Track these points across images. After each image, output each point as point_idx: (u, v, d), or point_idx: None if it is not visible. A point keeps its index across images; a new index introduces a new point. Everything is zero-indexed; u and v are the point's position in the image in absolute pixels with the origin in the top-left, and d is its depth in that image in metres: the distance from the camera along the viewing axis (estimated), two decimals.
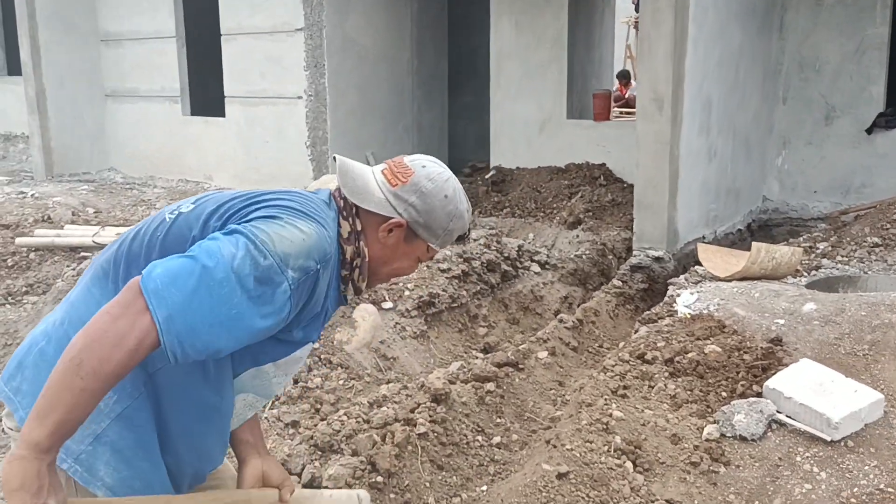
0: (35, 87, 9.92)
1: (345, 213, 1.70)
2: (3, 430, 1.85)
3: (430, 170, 1.73)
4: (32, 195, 8.48)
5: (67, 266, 6.07)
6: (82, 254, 6.14)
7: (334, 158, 1.78)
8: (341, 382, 3.86)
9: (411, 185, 1.69)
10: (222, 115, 9.47)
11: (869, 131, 6.60)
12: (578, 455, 2.86)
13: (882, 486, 2.70)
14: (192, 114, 9.93)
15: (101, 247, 6.09)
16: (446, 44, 9.70)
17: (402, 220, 1.68)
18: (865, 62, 6.62)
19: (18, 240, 6.33)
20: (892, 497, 2.65)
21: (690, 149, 5.61)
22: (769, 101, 6.92)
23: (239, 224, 1.59)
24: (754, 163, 6.88)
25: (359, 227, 1.70)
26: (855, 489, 2.71)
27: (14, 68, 12.24)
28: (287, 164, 8.79)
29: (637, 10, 15.87)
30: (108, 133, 10.64)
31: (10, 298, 5.76)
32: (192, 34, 9.89)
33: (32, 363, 1.62)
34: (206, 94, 9.99)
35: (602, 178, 7.68)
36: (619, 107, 12.78)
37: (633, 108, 13.52)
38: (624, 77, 14.53)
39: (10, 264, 6.19)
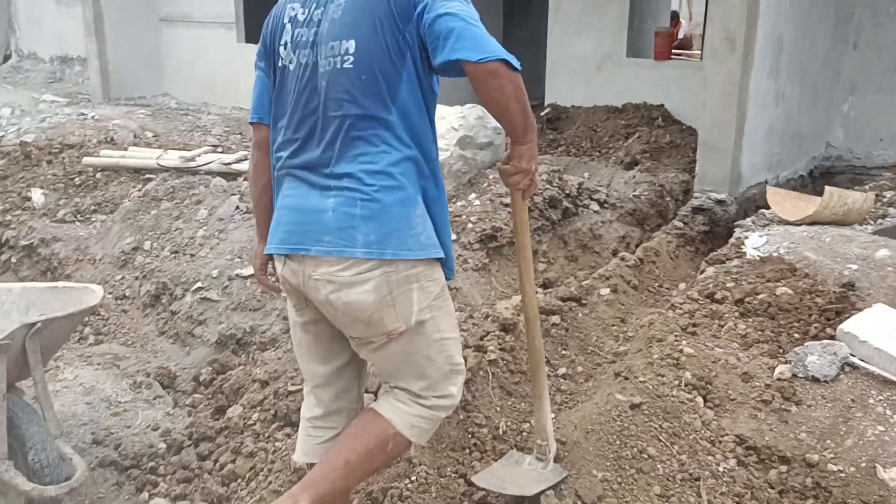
0: (93, 9, 9.97)
1: None
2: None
3: None
4: (93, 117, 8.59)
5: (133, 186, 6.21)
6: (147, 175, 6.24)
7: None
8: None
9: None
10: None
11: None
12: (651, 387, 2.90)
13: None
14: (247, 41, 9.92)
15: (165, 169, 6.20)
16: None
17: None
18: None
19: (85, 159, 6.46)
20: None
21: (759, 91, 5.50)
22: (839, 46, 6.72)
23: None
24: (820, 108, 6.72)
25: None
26: None
27: None
28: None
29: None
30: (162, 58, 10.70)
31: (78, 216, 5.91)
32: None
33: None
34: (260, 22, 9.95)
35: (660, 118, 7.58)
36: (672, 47, 12.54)
37: (686, 48, 13.28)
38: (673, 17, 14.21)
39: (77, 183, 6.33)
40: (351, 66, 2.07)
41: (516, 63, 1.96)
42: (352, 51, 2.06)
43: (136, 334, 4.74)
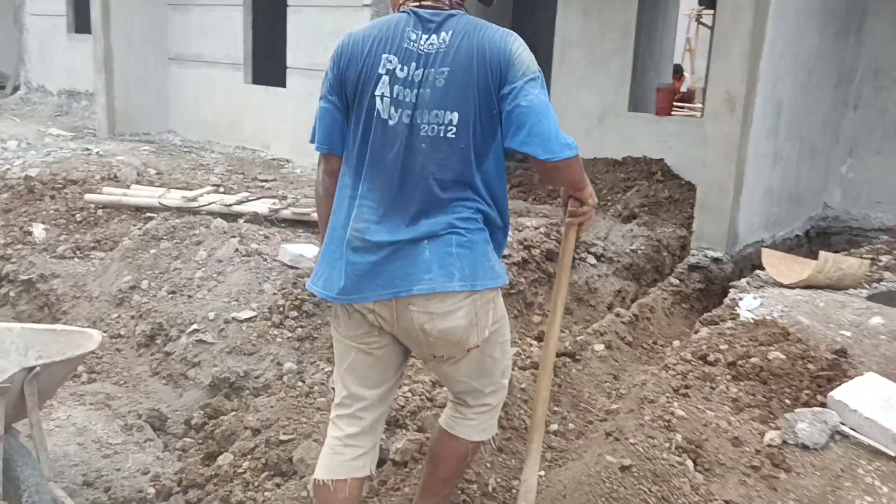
0: (104, 46, 10.13)
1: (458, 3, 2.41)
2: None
3: None
4: (97, 152, 8.68)
5: (134, 225, 6.25)
6: (148, 214, 6.29)
7: None
8: None
9: None
10: (283, 85, 9.58)
11: None
12: (641, 450, 2.90)
13: None
14: (254, 82, 10.06)
15: (167, 208, 6.25)
16: (510, 24, 9.68)
17: None
18: None
19: (87, 196, 6.51)
20: None
21: (758, 152, 5.57)
22: (839, 108, 6.82)
23: None
24: (818, 169, 6.80)
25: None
26: None
27: (81, 26, 12.49)
28: None
29: (700, 2, 15.73)
30: (169, 96, 10.84)
31: (78, 252, 5.94)
32: (258, 3, 9.99)
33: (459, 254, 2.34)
34: (268, 64, 10.11)
35: (660, 173, 7.65)
36: (674, 100, 12.72)
37: (688, 101, 13.47)
38: (677, 71, 14.43)
39: (78, 219, 6.37)
40: (453, 136, 2.27)
41: (574, 151, 2.27)
42: (455, 122, 2.26)
43: (130, 374, 4.74)
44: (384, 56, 2.29)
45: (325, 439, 2.50)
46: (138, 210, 6.47)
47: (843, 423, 3.05)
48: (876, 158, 6.78)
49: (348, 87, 2.32)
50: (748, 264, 5.52)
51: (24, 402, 2.66)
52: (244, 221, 6.03)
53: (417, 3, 2.32)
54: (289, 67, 9.39)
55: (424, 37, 2.28)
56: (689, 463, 2.92)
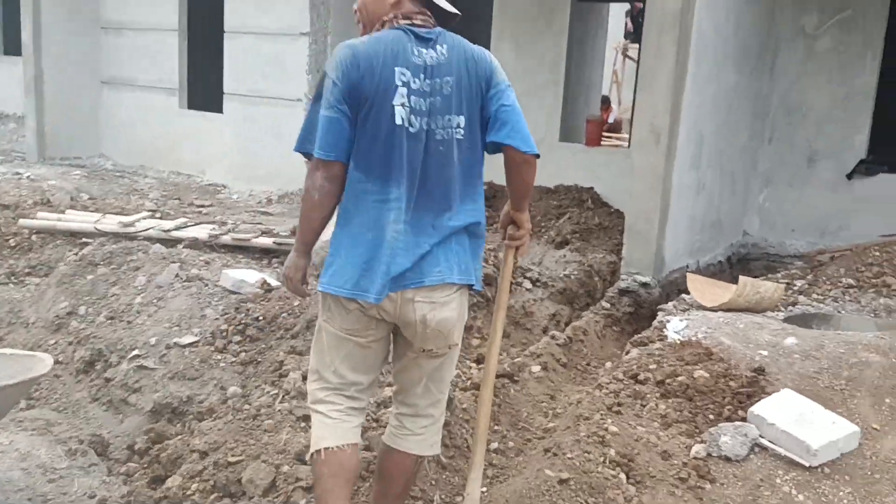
0: (34, 69, 9.99)
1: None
2: None
3: None
4: (28, 176, 8.54)
5: (69, 250, 6.19)
6: (84, 239, 6.25)
7: None
8: None
9: None
10: (220, 110, 9.60)
11: (849, 176, 6.93)
12: (578, 464, 3.08)
13: None
14: (190, 107, 10.05)
15: (103, 234, 6.21)
16: None
17: None
18: (852, 109, 6.95)
19: (21, 221, 6.43)
20: None
21: (682, 182, 5.88)
22: (755, 141, 7.24)
23: None
24: (738, 198, 7.18)
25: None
26: None
27: (10, 48, 12.26)
28: (283, 164, 8.92)
29: (626, 36, 16.32)
30: (101, 120, 10.73)
31: (12, 278, 5.87)
32: (194, 28, 10.00)
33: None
34: (203, 89, 10.11)
35: (590, 201, 7.93)
36: (603, 131, 13.12)
37: (616, 132, 13.94)
38: (605, 102, 14.87)
39: (12, 245, 6.29)
40: (461, 137, 2.57)
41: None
42: (462, 125, 2.57)
43: (69, 400, 4.70)
44: (397, 69, 2.49)
45: (318, 416, 2.68)
46: (73, 235, 6.41)
47: (761, 437, 3.29)
48: (789, 189, 7.21)
49: (361, 98, 2.47)
50: (674, 288, 5.80)
51: None
52: (183, 247, 6.04)
53: (409, 22, 2.56)
54: (226, 93, 9.43)
55: (425, 51, 2.53)
56: (623, 476, 3.11)
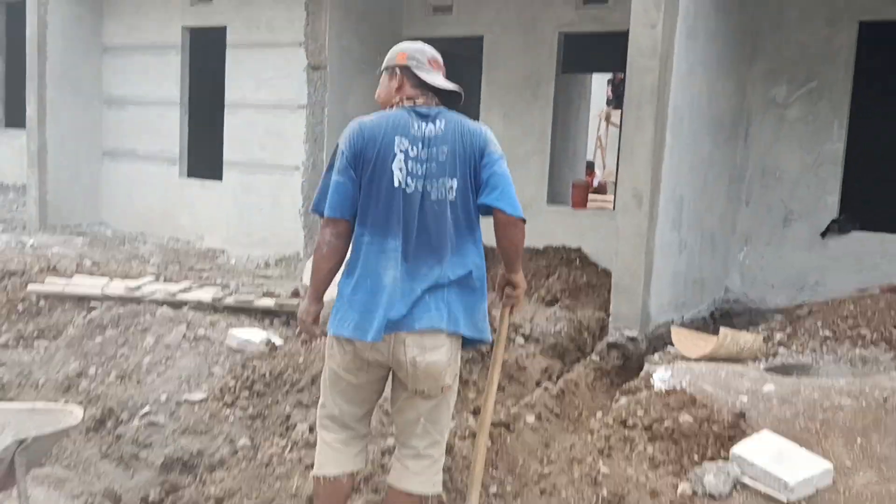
0: (38, 142, 10.32)
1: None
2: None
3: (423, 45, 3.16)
4: (31, 244, 8.79)
5: (77, 314, 6.40)
6: (92, 303, 6.47)
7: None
8: None
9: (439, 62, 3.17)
10: (219, 178, 9.94)
11: (823, 235, 7.29)
12: (572, 502, 3.29)
13: None
14: (189, 176, 10.38)
15: (110, 297, 6.44)
16: None
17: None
18: (822, 173, 7.35)
19: (31, 286, 6.65)
20: None
21: (664, 241, 6.20)
22: (733, 203, 7.61)
23: None
24: (719, 257, 7.51)
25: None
26: None
27: (11, 121, 12.65)
28: (280, 229, 9.25)
29: (608, 103, 16.94)
30: (102, 189, 11.04)
31: (21, 342, 6.06)
32: (195, 102, 10.41)
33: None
34: (203, 158, 10.47)
35: (578, 261, 8.26)
36: (588, 193, 13.57)
37: (602, 193, 14.39)
38: (589, 167, 15.36)
39: (20, 310, 6.49)
40: (453, 197, 2.93)
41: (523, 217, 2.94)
42: (455, 187, 2.94)
43: (79, 458, 4.84)
44: (397, 138, 2.93)
45: (322, 441, 3.08)
46: (81, 300, 6.62)
47: (743, 474, 3.52)
48: (768, 247, 7.55)
49: (364, 163, 2.92)
50: (661, 342, 6.06)
51: (13, 472, 2.88)
52: (188, 309, 6.27)
53: (412, 104, 3.00)
54: (225, 162, 9.77)
55: (424, 125, 2.96)
56: None
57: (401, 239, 2.91)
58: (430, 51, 3.13)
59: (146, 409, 4.90)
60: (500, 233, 2.95)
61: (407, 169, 2.91)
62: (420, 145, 2.93)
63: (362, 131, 2.95)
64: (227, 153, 9.76)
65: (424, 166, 2.92)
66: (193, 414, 4.77)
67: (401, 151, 2.92)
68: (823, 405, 3.99)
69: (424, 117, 2.97)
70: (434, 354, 2.89)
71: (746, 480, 3.49)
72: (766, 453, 3.55)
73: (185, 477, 4.33)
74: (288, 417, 4.46)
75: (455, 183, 2.92)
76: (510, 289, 3.17)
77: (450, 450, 3.88)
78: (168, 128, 10.32)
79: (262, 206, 9.47)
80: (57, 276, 7.21)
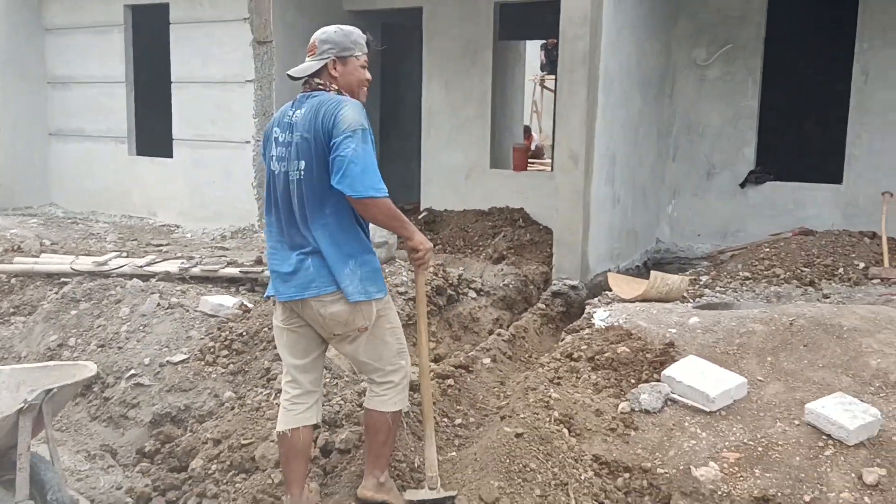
0: None
1: (325, 86, 3.33)
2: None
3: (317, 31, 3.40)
4: None
5: (49, 290, 6.68)
6: (62, 280, 6.74)
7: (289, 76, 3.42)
8: (327, 380, 4.72)
9: (318, 45, 3.34)
10: (169, 155, 10.15)
11: (742, 185, 7.97)
12: (529, 422, 3.82)
13: (745, 441, 3.77)
14: (139, 154, 10.56)
15: (79, 273, 6.73)
16: (379, 96, 10.73)
17: (333, 57, 3.33)
18: (740, 127, 8.01)
19: (0, 266, 6.88)
20: (752, 447, 3.71)
21: (599, 197, 6.76)
22: (662, 158, 8.22)
23: None
24: (649, 210, 8.13)
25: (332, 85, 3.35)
26: (725, 443, 3.76)
27: None
28: (233, 203, 9.54)
29: (542, 69, 17.42)
30: (51, 170, 11.13)
31: None
32: (140, 80, 10.55)
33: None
34: (152, 136, 10.65)
35: (521, 220, 8.80)
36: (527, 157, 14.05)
37: (538, 157, 14.93)
38: (526, 131, 15.89)
39: None
40: (303, 178, 3.27)
41: (378, 193, 3.14)
42: (303, 168, 3.27)
43: (69, 421, 5.21)
44: (275, 128, 3.38)
45: (281, 403, 3.50)
46: (50, 277, 6.89)
47: (672, 393, 4.10)
48: (693, 199, 8.20)
49: (264, 154, 3.48)
50: (599, 289, 6.64)
51: (41, 419, 3.28)
52: (157, 280, 6.60)
53: (302, 91, 3.37)
54: (175, 139, 9.99)
55: (292, 112, 3.31)
56: (565, 430, 3.87)
57: (275, 214, 3.39)
58: (314, 36, 3.39)
59: (131, 371, 5.26)
60: (356, 210, 3.24)
61: (276, 154, 3.34)
62: (287, 132, 3.30)
63: (267, 126, 3.49)
64: (177, 130, 9.97)
65: (286, 150, 3.30)
66: (177, 373, 5.15)
67: (275, 138, 3.37)
68: (740, 331, 4.59)
69: (297, 104, 3.33)
70: (332, 307, 3.27)
71: (675, 397, 4.06)
72: (692, 373, 4.13)
73: (176, 429, 4.73)
74: (268, 371, 4.89)
75: (303, 164, 3.24)
76: (412, 252, 3.43)
77: (417, 389, 4.39)
78: (115, 107, 10.45)
79: (214, 181, 9.73)
80: (23, 255, 7.43)
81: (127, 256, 7.58)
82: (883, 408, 3.78)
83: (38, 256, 7.28)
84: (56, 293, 6.53)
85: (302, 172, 3.25)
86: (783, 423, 3.81)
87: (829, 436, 3.64)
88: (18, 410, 3.20)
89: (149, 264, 6.96)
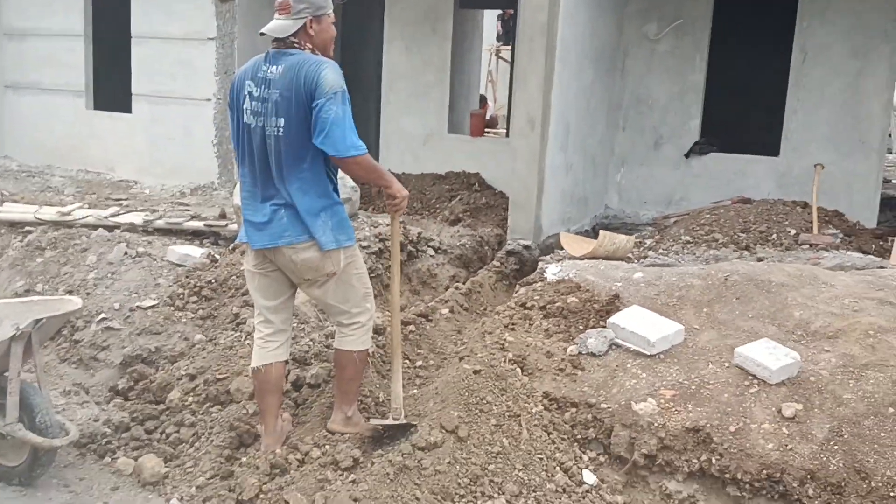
0: None
1: (300, 45, 3.48)
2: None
3: None
4: None
5: (14, 238, 6.78)
6: (26, 228, 6.84)
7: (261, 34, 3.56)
8: (296, 325, 4.98)
9: (293, 5, 3.46)
10: (128, 110, 10.17)
11: (687, 156, 8.39)
12: (486, 361, 4.15)
13: (680, 380, 4.15)
14: (96, 108, 10.55)
15: (43, 222, 6.83)
16: (339, 57, 10.88)
17: (310, 16, 3.47)
18: (686, 101, 8.41)
19: None
20: (686, 385, 4.09)
21: (553, 162, 7.10)
22: (612, 129, 8.59)
23: None
24: (599, 177, 8.51)
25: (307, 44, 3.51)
26: (663, 382, 4.14)
27: None
28: (193, 159, 9.64)
29: (498, 39, 17.65)
30: (5, 122, 11.04)
31: None
32: (100, 33, 10.51)
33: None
34: (110, 90, 10.63)
35: (477, 184, 9.10)
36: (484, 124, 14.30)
37: (492, 127, 15.22)
38: (482, 100, 16.11)
39: None
40: (281, 134, 3.45)
41: (360, 151, 3.41)
42: (282, 125, 3.45)
43: (41, 370, 5.37)
44: (247, 81, 3.53)
45: (254, 342, 3.79)
46: (13, 226, 6.98)
47: (616, 338, 4.47)
48: (641, 168, 8.61)
49: (233, 103, 3.63)
50: (550, 250, 6.99)
51: (30, 348, 3.49)
52: (122, 231, 6.74)
53: (274, 48, 3.53)
54: (134, 94, 10.01)
55: (267, 68, 3.47)
56: (518, 369, 4.21)
57: (248, 166, 3.57)
58: None
59: (101, 315, 5.43)
60: (339, 167, 3.51)
61: (251, 108, 3.48)
62: (263, 87, 3.44)
63: (235, 77, 3.64)
64: (136, 85, 9.99)
65: (262, 105, 3.44)
66: (147, 318, 5.35)
67: (247, 93, 3.50)
68: (679, 285, 4.98)
69: (271, 60, 3.48)
70: (304, 254, 3.51)
71: (619, 341, 4.43)
72: (635, 321, 4.50)
73: (148, 368, 4.95)
74: (237, 316, 5.12)
75: (282, 122, 3.40)
76: (390, 199, 3.67)
77: (384, 331, 4.69)
78: (73, 60, 10.41)
79: (173, 137, 9.80)
80: None
81: (90, 208, 7.69)
82: (803, 352, 4.19)
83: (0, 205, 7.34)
84: (21, 241, 6.64)
85: (280, 129, 3.42)
86: (715, 365, 4.21)
87: (754, 376, 4.04)
88: (11, 337, 3.40)
89: (112, 215, 7.09)
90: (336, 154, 3.36)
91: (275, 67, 3.45)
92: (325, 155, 3.44)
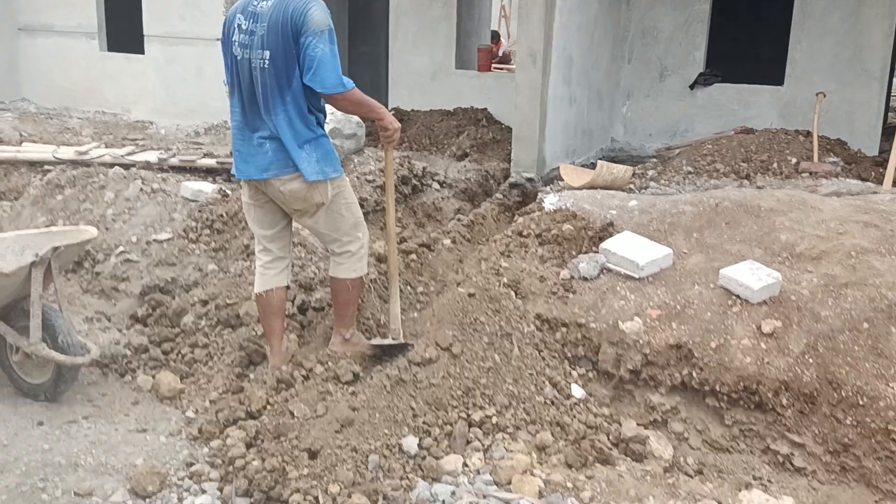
0: None
1: None
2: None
3: None
4: None
5: (34, 176, 7.03)
6: (45, 168, 7.08)
7: None
8: (303, 254, 5.22)
9: None
10: (141, 52, 10.32)
11: (691, 87, 8.44)
12: (481, 285, 4.37)
13: (666, 301, 4.35)
14: (110, 50, 10.69)
15: (61, 161, 7.07)
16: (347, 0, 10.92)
17: None
18: (691, 32, 8.42)
19: None
20: (671, 306, 4.29)
21: (556, 95, 7.20)
22: (617, 61, 8.63)
23: None
24: (604, 110, 8.59)
25: None
26: (650, 303, 4.34)
27: None
28: (205, 99, 9.81)
29: None
30: (20, 65, 11.23)
31: None
32: None
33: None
34: (123, 32, 10.76)
35: (484, 120, 9.22)
36: (493, 62, 14.29)
37: (506, 62, 15.19)
38: (495, 37, 16.05)
39: None
40: (267, 66, 3.60)
41: (347, 87, 3.57)
42: (268, 58, 3.59)
43: (61, 295, 5.66)
44: (238, 15, 3.66)
45: (256, 268, 4.01)
46: (33, 165, 7.23)
47: (608, 262, 4.66)
48: (646, 101, 8.67)
49: (226, 37, 3.76)
50: (554, 182, 7.16)
51: (50, 273, 3.74)
52: (138, 169, 6.97)
53: None
54: (146, 35, 10.14)
55: (260, 3, 3.58)
56: (512, 293, 4.43)
57: (238, 98, 3.70)
58: None
59: (120, 248, 5.69)
60: (328, 103, 3.68)
61: (239, 40, 3.61)
62: (251, 20, 3.57)
63: (228, 13, 3.75)
64: (147, 26, 10.11)
65: (249, 38, 3.57)
66: (163, 250, 5.60)
67: (237, 27, 3.62)
68: (672, 212, 5.14)
69: None
70: (290, 185, 3.67)
71: (610, 266, 4.62)
72: (626, 245, 4.68)
73: (165, 297, 5.22)
74: (247, 247, 5.35)
75: (268, 54, 3.53)
76: (383, 131, 3.86)
77: (384, 259, 4.91)
78: (84, 2, 10.52)
79: (186, 78, 9.96)
80: (4, 145, 7.73)
81: (107, 147, 7.92)
82: (787, 273, 4.37)
83: (20, 146, 7.58)
84: (41, 180, 6.88)
85: (266, 62, 3.55)
86: (700, 286, 4.40)
87: (737, 296, 4.23)
88: (32, 263, 3.65)
89: (128, 154, 7.31)
90: (324, 91, 3.54)
91: (265, 2, 3.57)
92: (311, 89, 3.58)
